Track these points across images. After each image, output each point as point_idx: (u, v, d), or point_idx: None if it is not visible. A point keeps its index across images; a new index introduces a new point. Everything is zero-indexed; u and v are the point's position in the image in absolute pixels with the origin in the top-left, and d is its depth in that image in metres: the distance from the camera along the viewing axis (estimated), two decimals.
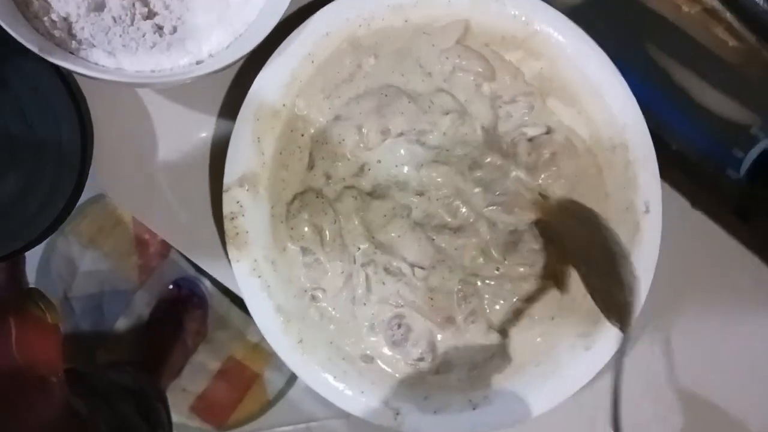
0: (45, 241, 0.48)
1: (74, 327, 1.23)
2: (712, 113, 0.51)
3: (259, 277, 0.46)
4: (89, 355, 1.22)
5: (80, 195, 0.48)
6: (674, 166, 0.53)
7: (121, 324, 1.25)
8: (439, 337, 0.49)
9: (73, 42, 0.43)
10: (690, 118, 0.52)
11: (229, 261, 0.46)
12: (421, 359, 0.48)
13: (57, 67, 0.38)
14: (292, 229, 0.47)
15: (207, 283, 1.26)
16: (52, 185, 0.46)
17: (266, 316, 0.46)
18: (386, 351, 0.48)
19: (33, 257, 1.20)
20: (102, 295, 1.25)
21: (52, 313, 0.49)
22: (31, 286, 0.49)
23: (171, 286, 1.25)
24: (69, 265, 1.24)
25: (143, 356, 1.18)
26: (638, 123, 0.50)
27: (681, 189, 0.56)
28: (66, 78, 0.46)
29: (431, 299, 0.48)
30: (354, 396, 0.46)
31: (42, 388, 0.46)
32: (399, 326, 0.48)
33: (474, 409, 0.47)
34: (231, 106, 0.52)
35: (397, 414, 0.47)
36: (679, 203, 0.56)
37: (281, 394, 1.27)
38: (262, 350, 1.26)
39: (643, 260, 0.49)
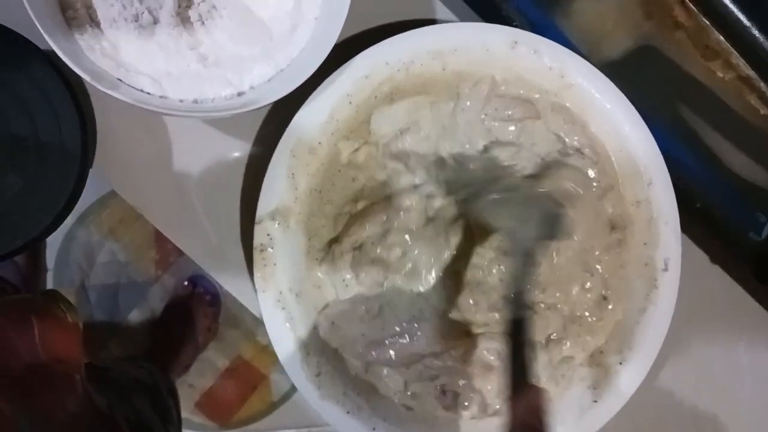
0: (64, 232, 0.49)
1: (89, 316, 1.25)
2: (738, 176, 0.52)
3: (283, 308, 0.47)
4: (102, 344, 1.24)
5: (80, 194, 0.49)
6: (696, 223, 0.53)
7: (135, 316, 1.26)
8: (489, 387, 0.49)
9: (121, 68, 0.44)
10: (716, 178, 0.52)
11: (255, 288, 0.47)
12: (474, 417, 0.49)
13: (62, 73, 0.40)
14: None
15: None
16: (54, 184, 0.48)
17: (287, 347, 0.47)
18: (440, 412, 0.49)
19: (53, 244, 1.22)
20: (118, 287, 1.26)
21: (73, 314, 0.51)
22: (50, 272, 0.51)
23: (186, 283, 1.27)
24: (88, 254, 1.25)
25: (154, 350, 1.20)
26: (664, 181, 0.50)
27: (701, 244, 0.57)
28: (70, 83, 0.48)
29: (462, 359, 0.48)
30: (366, 431, 0.47)
31: (66, 384, 0.48)
32: (444, 393, 0.49)
33: None
34: (266, 130, 0.53)
35: None
36: (698, 256, 0.57)
37: (286, 396, 1.28)
38: (271, 352, 1.26)
39: (658, 317, 0.49)
